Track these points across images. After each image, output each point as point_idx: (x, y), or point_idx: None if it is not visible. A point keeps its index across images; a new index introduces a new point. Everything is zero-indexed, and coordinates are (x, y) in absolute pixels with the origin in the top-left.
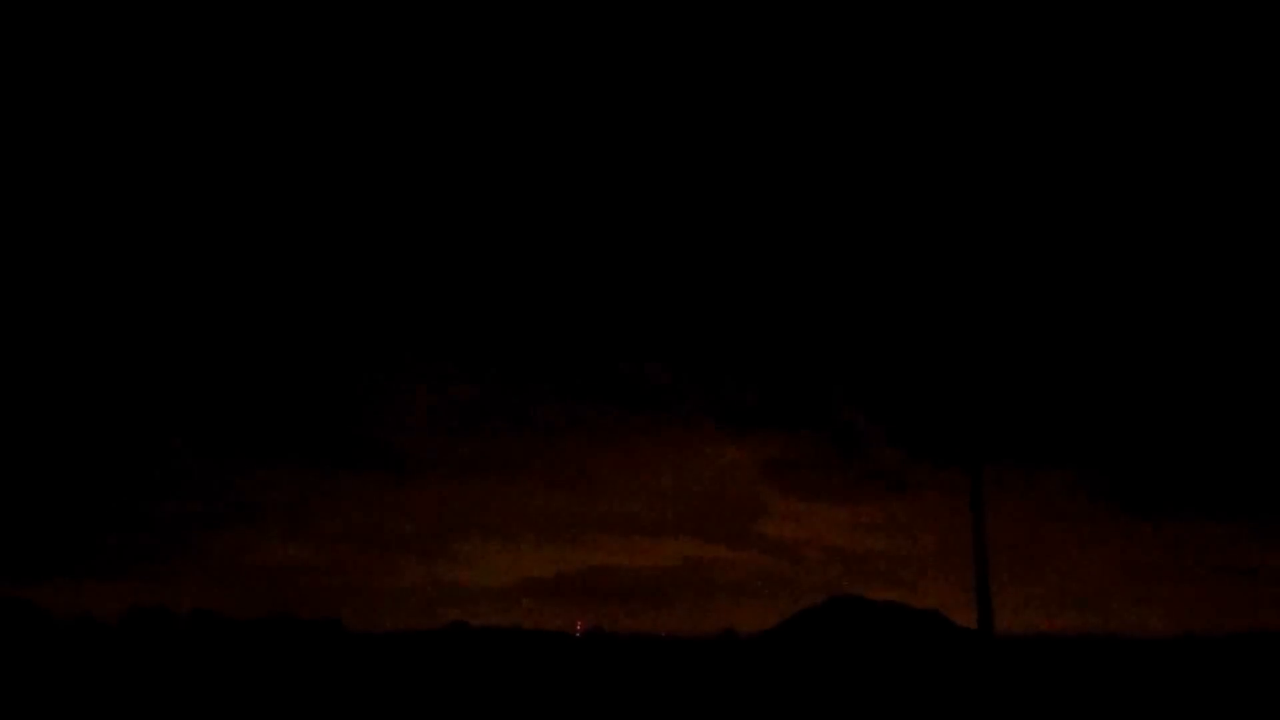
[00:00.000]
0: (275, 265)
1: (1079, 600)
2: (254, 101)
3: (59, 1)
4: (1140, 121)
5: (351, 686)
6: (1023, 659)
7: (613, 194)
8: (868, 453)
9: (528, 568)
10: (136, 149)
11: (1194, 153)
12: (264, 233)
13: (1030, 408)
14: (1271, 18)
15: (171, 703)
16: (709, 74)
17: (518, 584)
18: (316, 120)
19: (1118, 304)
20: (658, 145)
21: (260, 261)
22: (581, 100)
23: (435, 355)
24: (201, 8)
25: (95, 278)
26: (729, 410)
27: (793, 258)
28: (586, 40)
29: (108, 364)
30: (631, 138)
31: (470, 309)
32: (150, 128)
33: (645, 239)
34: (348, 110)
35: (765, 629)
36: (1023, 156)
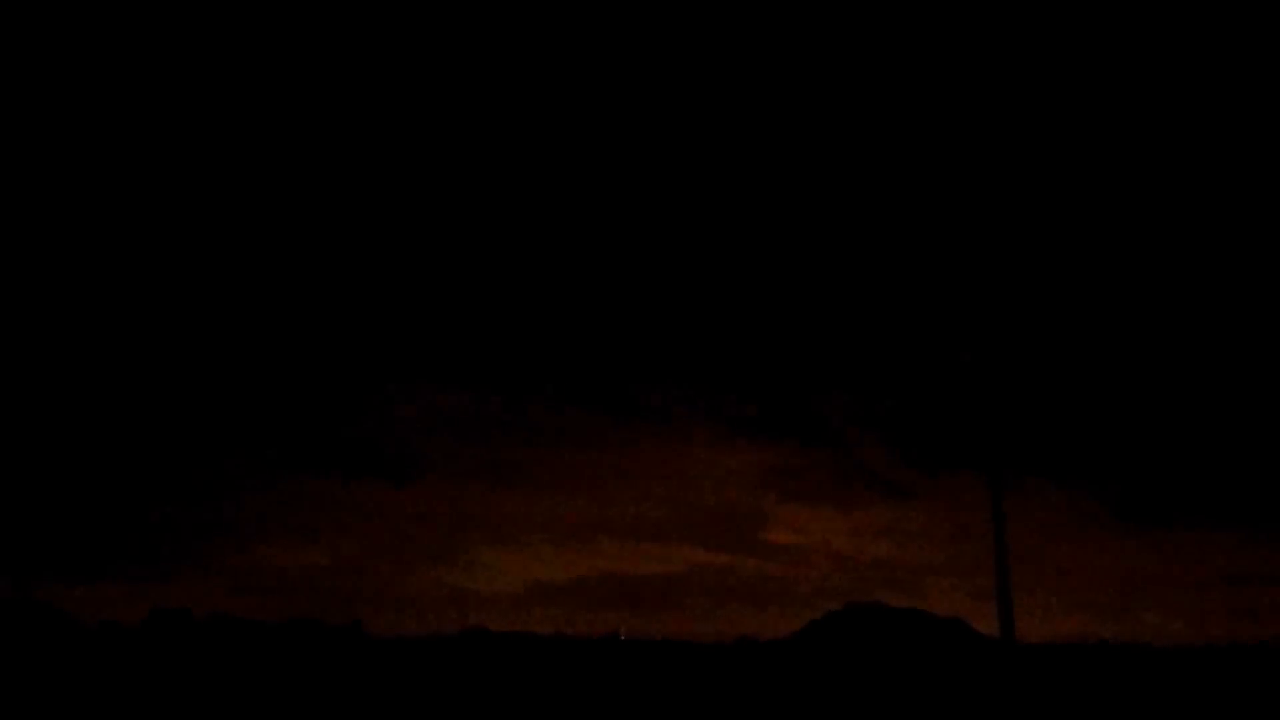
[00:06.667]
0: (295, 285)
1: (1093, 608)
2: (256, 110)
3: (59, 1)
4: (1152, 138)
5: (377, 690)
6: (1045, 666)
7: (615, 204)
8: (865, 461)
9: (538, 574)
10: (142, 160)
11: (1200, 169)
12: (278, 248)
13: (1040, 419)
14: (1271, 18)
15: (196, 705)
16: (704, 84)
17: (529, 589)
18: (321, 129)
19: (1125, 314)
20: (660, 155)
21: (280, 281)
22: (581, 114)
23: (442, 366)
24: (202, 11)
25: (114, 292)
26: (727, 420)
27: (791, 268)
28: (583, 50)
29: (130, 375)
30: (633, 148)
31: (476, 320)
32: (152, 137)
33: (646, 250)
34: (351, 117)
35: (782, 635)
36: (1030, 176)
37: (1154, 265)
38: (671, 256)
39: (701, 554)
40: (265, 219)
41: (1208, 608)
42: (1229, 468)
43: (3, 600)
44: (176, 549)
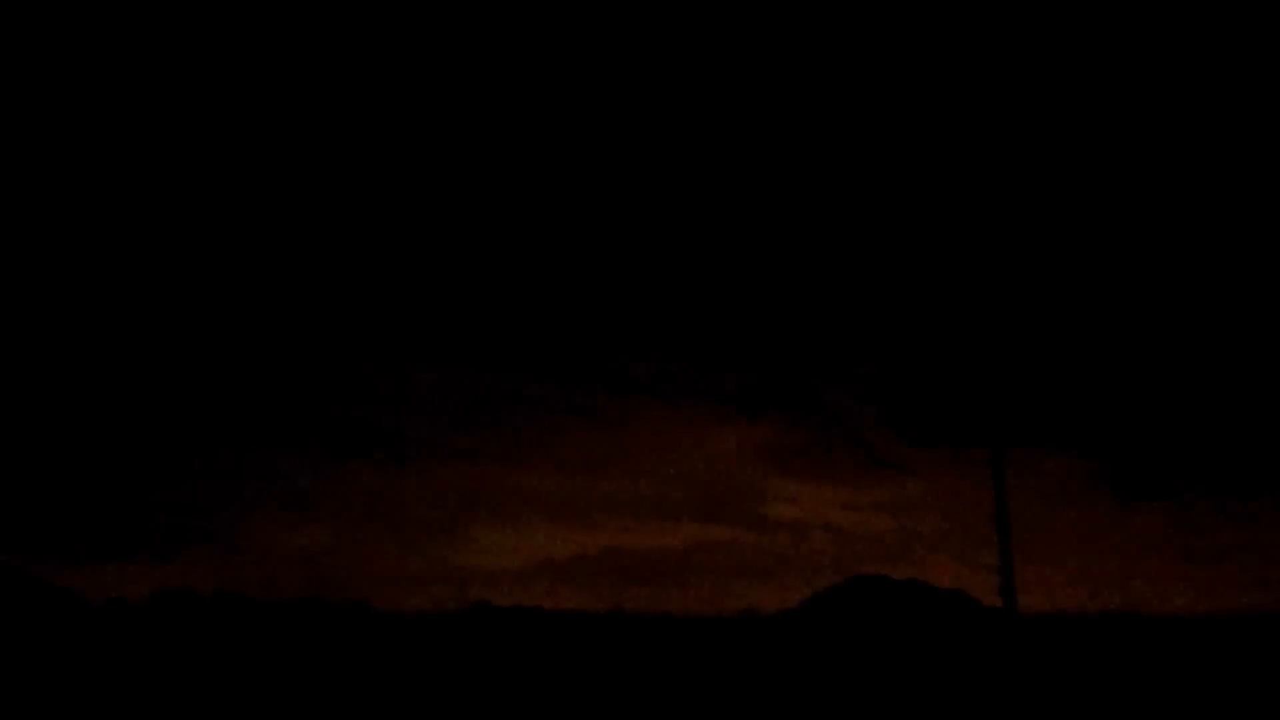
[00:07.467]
0: (288, 266)
1: (1095, 579)
2: (251, 97)
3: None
4: (1144, 111)
5: (389, 665)
6: (1049, 637)
7: (611, 183)
8: (864, 436)
9: (541, 550)
10: (137, 146)
11: (1199, 143)
12: (271, 229)
13: (1040, 389)
14: (1271, 18)
15: (206, 681)
16: (694, 64)
17: (532, 566)
18: (313, 112)
19: (1128, 283)
20: (652, 136)
21: (273, 262)
22: (573, 93)
23: (438, 343)
24: (199, 7)
25: (107, 273)
26: (724, 396)
27: (788, 243)
28: (576, 33)
29: (130, 356)
30: (625, 130)
31: (471, 297)
32: (148, 125)
33: (641, 226)
34: (345, 102)
35: (787, 608)
36: (1024, 141)
37: (1155, 237)
38: (667, 233)
39: (701, 529)
40: (258, 208)
41: (1210, 578)
42: (1233, 438)
43: (7, 580)
44: (178, 529)
